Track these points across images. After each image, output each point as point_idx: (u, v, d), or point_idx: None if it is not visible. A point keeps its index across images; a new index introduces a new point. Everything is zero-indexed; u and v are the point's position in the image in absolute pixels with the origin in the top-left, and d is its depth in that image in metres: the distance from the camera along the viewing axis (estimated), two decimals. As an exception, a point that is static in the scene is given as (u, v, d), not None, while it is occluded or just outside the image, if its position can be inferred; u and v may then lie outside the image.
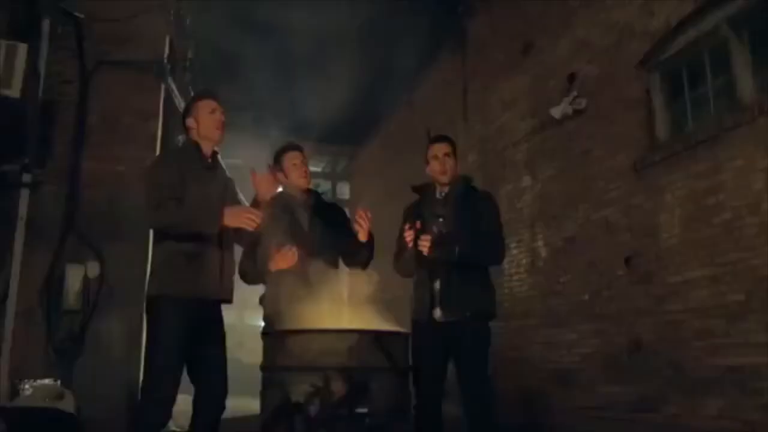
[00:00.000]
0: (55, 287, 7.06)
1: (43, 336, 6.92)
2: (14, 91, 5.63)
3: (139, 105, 7.63)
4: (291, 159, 4.04)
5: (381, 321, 3.21)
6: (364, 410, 2.87)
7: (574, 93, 7.20)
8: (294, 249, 3.66)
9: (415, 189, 4.19)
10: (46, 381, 6.89)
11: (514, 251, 8.59)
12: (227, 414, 3.40)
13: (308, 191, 4.09)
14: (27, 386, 6.86)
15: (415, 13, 9.50)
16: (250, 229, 3.39)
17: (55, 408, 6.35)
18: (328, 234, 3.91)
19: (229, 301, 3.55)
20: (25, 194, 6.94)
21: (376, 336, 2.99)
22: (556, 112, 7.36)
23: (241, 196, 3.83)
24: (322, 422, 2.83)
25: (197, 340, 3.36)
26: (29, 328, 6.86)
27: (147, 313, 3.43)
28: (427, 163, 4.12)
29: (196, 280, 3.36)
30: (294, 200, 4.02)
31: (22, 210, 6.93)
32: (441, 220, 3.89)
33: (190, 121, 3.64)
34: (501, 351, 8.61)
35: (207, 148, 3.63)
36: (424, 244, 3.71)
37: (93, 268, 7.22)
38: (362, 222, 3.82)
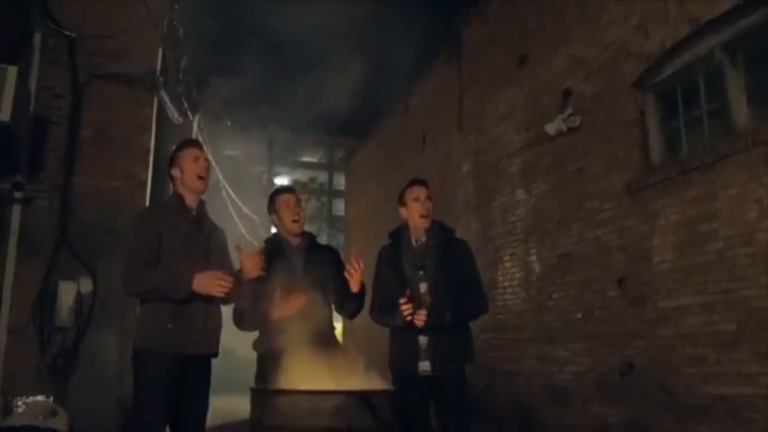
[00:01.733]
0: (47, 303, 7.06)
1: (35, 352, 6.92)
2: (4, 115, 5.60)
3: (132, 118, 7.61)
4: (284, 201, 4.03)
5: (368, 378, 3.21)
6: (351, 471, 2.88)
7: (569, 110, 7.18)
8: (302, 297, 3.65)
9: (392, 234, 4.14)
10: (39, 398, 6.88)
11: (507, 264, 8.60)
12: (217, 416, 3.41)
13: (302, 234, 4.07)
14: (20, 403, 6.86)
15: (413, 17, 9.48)
16: (219, 296, 3.38)
17: (48, 427, 6.35)
18: (322, 279, 3.89)
19: (215, 355, 3.54)
20: (17, 210, 6.92)
21: (363, 396, 2.97)
22: (551, 128, 7.34)
23: (227, 251, 3.77)
24: (310, 483, 2.83)
25: (181, 391, 3.36)
26: (22, 344, 6.86)
27: (133, 363, 3.43)
28: (405, 205, 4.06)
29: (179, 336, 3.34)
30: (287, 243, 4.00)
31: (15, 225, 6.91)
32: (422, 273, 3.87)
33: (174, 171, 3.61)
34: (494, 363, 8.67)
35: (191, 200, 3.60)
36: (420, 319, 3.70)
37: (86, 284, 7.21)
38: (354, 272, 3.79)
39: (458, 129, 10.14)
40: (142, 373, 3.35)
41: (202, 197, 3.68)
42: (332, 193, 37.51)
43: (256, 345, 3.86)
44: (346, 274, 3.83)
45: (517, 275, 8.37)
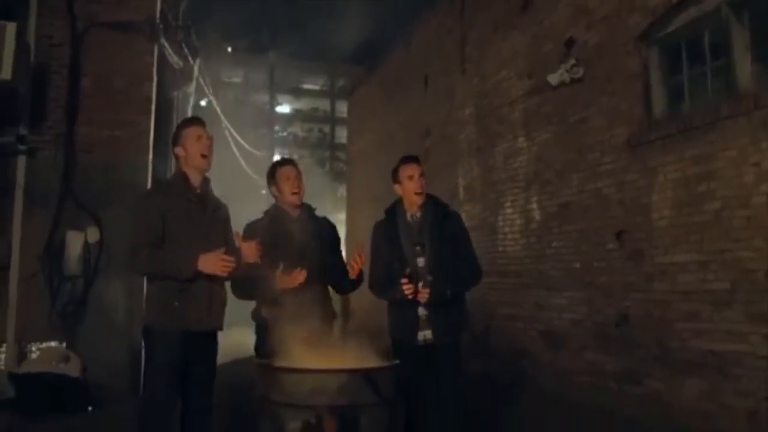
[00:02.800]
0: (56, 253, 7.19)
1: (46, 301, 7.09)
2: (5, 74, 5.57)
3: (132, 67, 7.54)
4: (284, 174, 4.08)
5: (366, 352, 3.34)
6: (355, 444, 3.04)
7: (572, 60, 7.12)
8: (302, 273, 3.73)
9: (387, 210, 4.20)
10: (52, 344, 7.13)
11: (509, 210, 8.69)
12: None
13: (301, 206, 4.13)
14: (34, 349, 7.11)
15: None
16: (223, 275, 3.47)
17: (62, 373, 6.58)
18: (320, 253, 3.99)
19: (220, 329, 3.67)
20: (22, 162, 6.97)
21: (365, 373, 3.11)
22: (553, 78, 7.30)
23: (230, 227, 3.82)
24: (315, 456, 2.99)
25: (190, 363, 3.49)
26: (33, 293, 7.03)
27: (143, 339, 3.55)
28: (399, 182, 4.11)
29: (185, 313, 3.45)
30: (287, 215, 4.07)
31: (20, 178, 6.98)
32: (419, 248, 3.95)
33: (178, 150, 3.62)
34: (493, 307, 8.87)
35: (195, 178, 3.62)
36: (424, 297, 3.80)
37: (93, 234, 7.32)
38: (355, 265, 3.89)
39: (461, 72, 10.05)
40: (152, 350, 3.49)
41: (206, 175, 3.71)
42: (334, 121, 37.24)
43: (254, 315, 3.97)
44: (348, 266, 3.92)
45: (518, 222, 8.47)
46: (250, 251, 3.52)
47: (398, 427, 3.26)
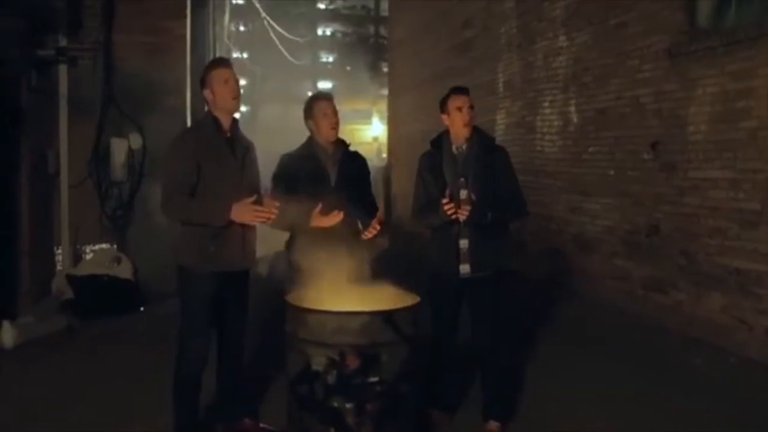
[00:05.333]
0: (101, 160, 7.48)
1: (96, 206, 7.46)
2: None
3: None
4: (322, 109, 4.07)
5: (394, 294, 3.53)
6: (375, 379, 3.29)
7: (616, -41, 6.79)
8: (339, 214, 3.81)
9: (433, 142, 4.21)
10: (104, 246, 7.56)
11: (547, 111, 8.60)
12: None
13: (336, 142, 4.17)
14: (88, 250, 7.56)
15: None
16: (257, 223, 3.60)
17: (115, 275, 7.03)
18: (354, 192, 4.04)
19: (252, 268, 3.85)
20: (63, 73, 7.11)
21: (386, 314, 3.31)
22: (596, -24, 6.99)
23: (257, 167, 3.87)
24: (338, 389, 3.26)
25: (223, 301, 3.71)
26: (83, 198, 7.38)
27: (177, 278, 3.73)
28: (447, 113, 4.08)
29: (219, 256, 3.59)
30: (322, 151, 4.12)
31: (63, 88, 7.15)
32: (462, 180, 3.95)
33: (206, 93, 3.65)
34: (529, 206, 8.96)
35: (225, 120, 3.67)
36: (464, 214, 3.80)
37: (135, 140, 7.56)
38: (373, 230, 3.92)
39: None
40: (186, 289, 3.69)
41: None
42: (379, 20, 35.74)
43: (287, 245, 4.12)
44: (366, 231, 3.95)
45: (555, 123, 8.40)
46: (271, 205, 3.58)
47: (415, 364, 3.49)
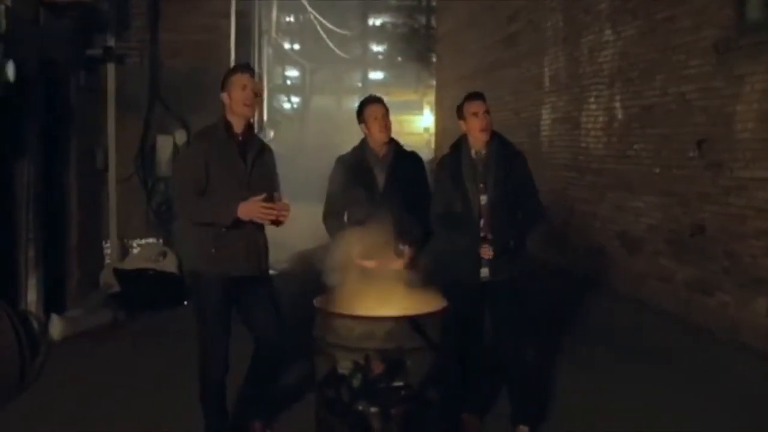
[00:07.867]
0: (148, 156, 7.67)
1: (142, 201, 7.66)
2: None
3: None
4: (372, 113, 4.07)
5: (421, 300, 3.54)
6: (400, 383, 3.31)
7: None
8: (380, 262, 3.76)
9: (453, 146, 4.19)
10: (150, 240, 7.75)
11: (593, 106, 8.46)
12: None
13: (388, 143, 4.17)
14: (135, 245, 7.76)
15: None
16: (264, 222, 3.63)
17: (161, 270, 7.19)
18: (404, 195, 3.99)
19: (259, 274, 3.79)
20: (111, 71, 7.29)
21: (412, 320, 3.33)
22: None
23: (274, 172, 3.89)
24: (363, 393, 3.29)
25: (241, 303, 3.74)
26: (130, 194, 7.59)
27: (187, 282, 3.81)
28: (463, 119, 4.07)
29: (222, 259, 3.60)
30: (373, 155, 4.12)
31: (111, 85, 7.33)
32: (482, 186, 3.95)
33: (224, 96, 3.69)
34: (573, 202, 8.88)
35: (238, 124, 3.71)
36: (487, 254, 3.83)
37: (181, 137, 7.70)
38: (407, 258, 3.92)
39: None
40: (196, 294, 3.78)
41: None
42: (429, 10, 35.30)
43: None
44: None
45: (600, 119, 8.25)
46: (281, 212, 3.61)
47: (440, 369, 3.49)
